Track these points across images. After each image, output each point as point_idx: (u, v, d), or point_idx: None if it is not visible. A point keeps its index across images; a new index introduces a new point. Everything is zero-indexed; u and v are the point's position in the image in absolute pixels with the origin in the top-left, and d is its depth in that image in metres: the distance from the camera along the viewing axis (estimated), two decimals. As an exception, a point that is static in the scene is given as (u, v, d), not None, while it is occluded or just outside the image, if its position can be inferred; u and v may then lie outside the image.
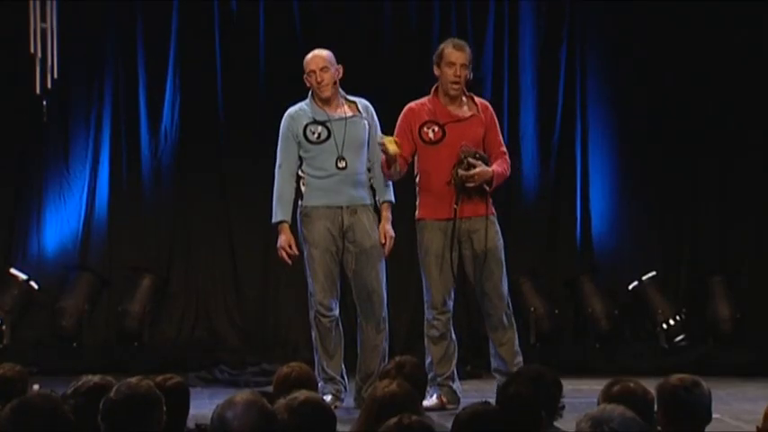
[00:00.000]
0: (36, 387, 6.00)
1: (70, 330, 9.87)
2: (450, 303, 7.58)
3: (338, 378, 7.61)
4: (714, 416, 4.91)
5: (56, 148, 10.13)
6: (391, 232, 7.59)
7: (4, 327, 9.73)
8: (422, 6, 10.25)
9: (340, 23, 10.09)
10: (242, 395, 4.09)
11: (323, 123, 7.52)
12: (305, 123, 7.54)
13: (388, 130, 10.07)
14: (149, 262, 10.15)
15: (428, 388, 7.07)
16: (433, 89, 7.56)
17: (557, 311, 10.10)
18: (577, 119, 10.33)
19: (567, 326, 10.21)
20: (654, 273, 10.13)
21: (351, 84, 9.26)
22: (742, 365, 9.59)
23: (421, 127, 7.53)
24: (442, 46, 7.53)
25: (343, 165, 7.50)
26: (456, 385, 7.64)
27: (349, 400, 7.59)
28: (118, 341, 9.99)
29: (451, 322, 7.62)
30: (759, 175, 10.22)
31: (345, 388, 7.63)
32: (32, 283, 9.92)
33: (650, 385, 4.95)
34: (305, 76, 7.58)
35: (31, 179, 10.12)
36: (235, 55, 10.14)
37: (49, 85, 9.62)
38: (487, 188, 7.43)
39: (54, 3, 9.51)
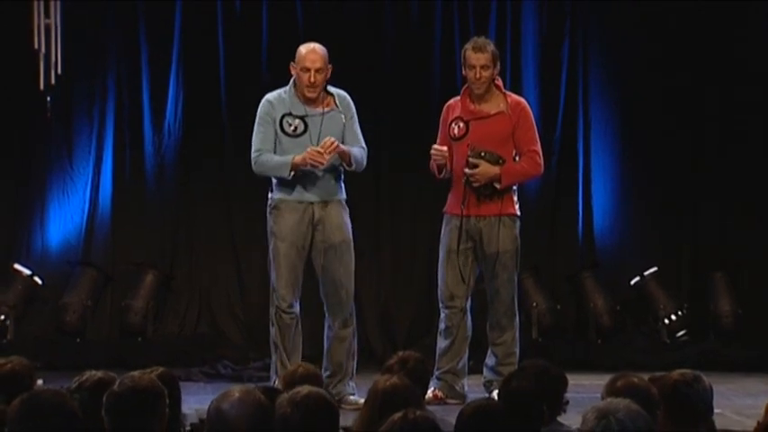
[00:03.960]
0: (40, 382, 6.00)
1: (74, 325, 9.88)
2: (460, 300, 7.62)
3: None
4: (715, 410, 4.93)
5: (59, 144, 10.14)
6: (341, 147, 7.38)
7: (8, 322, 9.75)
8: (424, 5, 10.24)
9: (342, 22, 10.10)
10: (238, 388, 4.11)
11: (301, 117, 7.45)
12: (282, 113, 7.46)
13: (386, 125, 10.12)
14: (153, 258, 10.17)
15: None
16: (464, 87, 7.64)
17: (559, 307, 10.13)
18: (579, 116, 10.35)
19: (568, 321, 10.24)
20: (655, 268, 10.15)
21: (353, 81, 9.27)
22: (743, 361, 9.61)
23: (450, 123, 7.61)
24: (465, 47, 7.62)
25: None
26: (462, 382, 7.65)
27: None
28: (121, 336, 10.01)
29: (465, 319, 7.64)
30: (761, 173, 10.22)
31: None
32: (36, 279, 9.93)
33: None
34: (294, 66, 7.47)
35: (34, 175, 10.14)
36: (238, 52, 10.14)
37: (53, 82, 9.62)
38: (497, 186, 7.45)
39: (58, -1, 9.52)
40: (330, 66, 7.50)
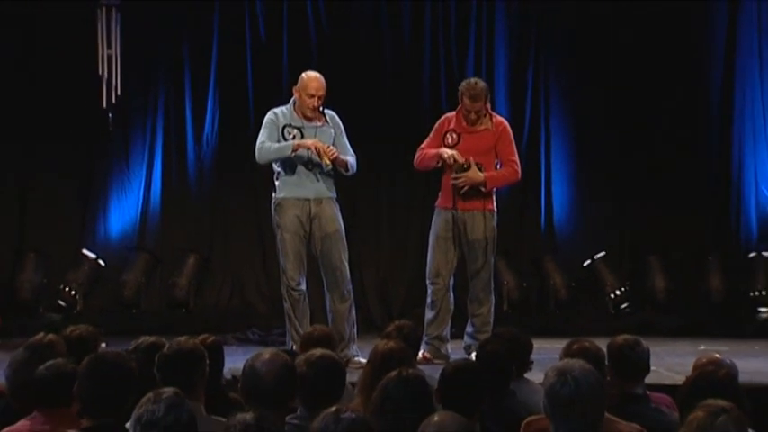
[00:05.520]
0: (103, 345, 6.00)
1: (130, 299, 9.89)
2: (444, 278, 7.61)
3: None
4: (652, 368, 4.93)
5: (118, 151, 10.13)
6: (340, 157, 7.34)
7: (77, 296, 9.76)
8: (414, 38, 10.23)
9: (349, 48, 10.10)
10: (267, 350, 4.13)
11: (298, 128, 7.39)
12: (284, 124, 7.40)
13: (384, 132, 10.09)
14: (194, 244, 10.16)
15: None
16: (459, 107, 7.60)
17: (525, 284, 10.11)
18: (541, 128, 10.34)
19: (533, 296, 10.21)
20: (603, 253, 10.14)
21: (357, 96, 9.26)
22: (674, 327, 9.61)
23: (445, 133, 7.57)
24: (462, 89, 7.52)
25: (311, 166, 7.37)
26: (446, 346, 7.65)
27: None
28: (169, 308, 9.99)
29: (448, 295, 7.63)
30: (686, 175, 10.23)
31: None
32: (100, 261, 9.93)
33: (601, 344, 4.96)
34: (298, 90, 7.38)
35: (98, 177, 10.13)
36: (263, 77, 10.12)
37: (113, 101, 9.64)
38: (483, 189, 7.46)
39: (117, 34, 9.53)
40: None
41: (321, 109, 7.41)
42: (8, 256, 9.81)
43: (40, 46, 9.89)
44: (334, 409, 3.21)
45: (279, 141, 7.38)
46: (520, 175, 7.74)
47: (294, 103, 7.45)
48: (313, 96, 7.33)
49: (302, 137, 7.36)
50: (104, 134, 9.94)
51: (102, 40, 9.49)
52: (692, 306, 10.01)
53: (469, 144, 7.53)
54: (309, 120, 7.40)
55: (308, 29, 10.12)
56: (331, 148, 7.28)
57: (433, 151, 7.55)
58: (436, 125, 7.71)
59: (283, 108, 7.48)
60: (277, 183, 7.49)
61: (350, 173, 7.50)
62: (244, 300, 10.15)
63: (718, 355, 5.14)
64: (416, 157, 7.65)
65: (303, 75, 7.45)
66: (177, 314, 9.83)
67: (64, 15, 9.75)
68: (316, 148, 7.24)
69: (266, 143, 7.37)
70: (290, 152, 7.29)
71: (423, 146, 7.67)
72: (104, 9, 9.51)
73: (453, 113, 7.66)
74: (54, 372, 4.21)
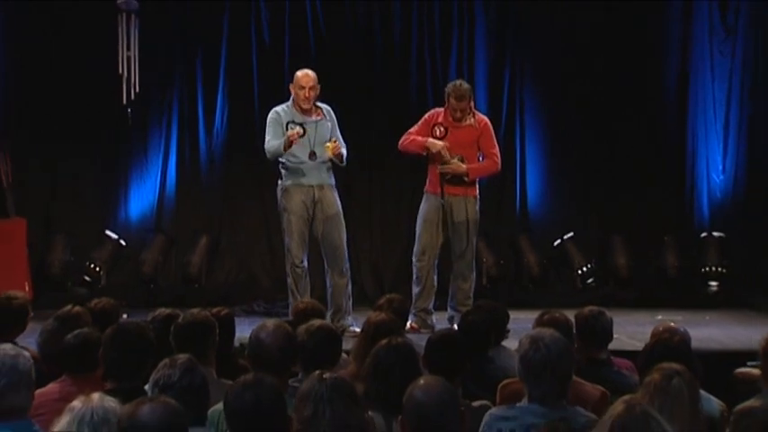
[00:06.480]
0: (125, 316, 6.01)
1: (149, 275, 9.87)
2: (428, 257, 7.64)
3: None
4: (615, 336, 4.96)
5: (138, 143, 10.10)
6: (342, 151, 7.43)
7: (101, 273, 9.74)
8: (403, 43, 10.21)
9: (345, 51, 10.06)
10: (271, 321, 4.14)
11: (300, 124, 7.41)
12: (287, 121, 7.43)
13: (376, 126, 10.07)
14: (206, 226, 10.15)
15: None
16: (446, 105, 7.61)
17: (502, 262, 10.11)
18: (517, 122, 10.33)
19: (509, 272, 10.22)
20: (572, 233, 10.15)
21: (352, 94, 9.22)
22: (634, 300, 9.64)
23: (433, 126, 7.57)
24: (449, 90, 7.56)
25: (314, 157, 7.42)
26: (431, 317, 7.67)
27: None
28: (183, 283, 9.98)
29: (432, 272, 7.65)
30: (646, 164, 10.23)
31: None
32: (121, 242, 9.92)
33: (569, 315, 4.98)
34: (293, 86, 7.43)
35: (119, 166, 10.11)
36: (267, 76, 10.09)
37: (132, 98, 9.61)
38: (466, 179, 7.47)
39: (136, 37, 9.49)
40: (318, 85, 7.46)
41: (316, 102, 7.44)
42: (40, 237, 9.79)
43: (67, 48, 9.87)
44: (317, 372, 3.21)
45: (283, 136, 7.39)
46: (500, 167, 7.77)
47: (293, 101, 7.46)
48: (303, 87, 7.37)
49: (304, 132, 7.39)
50: (125, 127, 9.91)
51: (123, 42, 9.45)
52: (650, 281, 10.04)
53: (455, 138, 7.56)
54: (308, 114, 7.40)
55: (308, 33, 10.09)
56: (337, 143, 7.32)
57: (421, 139, 7.57)
58: (425, 116, 7.72)
59: (284, 106, 7.51)
60: (283, 171, 7.53)
61: (343, 164, 7.53)
62: (250, 275, 10.15)
63: (673, 324, 5.18)
64: (403, 139, 7.67)
65: (297, 72, 7.52)
66: (190, 289, 9.82)
67: (88, 21, 9.73)
68: (292, 137, 7.25)
69: (272, 141, 7.44)
70: (283, 150, 7.34)
71: (411, 131, 7.69)
72: (124, 15, 9.48)
73: (442, 109, 7.67)
74: (81, 340, 4.23)
